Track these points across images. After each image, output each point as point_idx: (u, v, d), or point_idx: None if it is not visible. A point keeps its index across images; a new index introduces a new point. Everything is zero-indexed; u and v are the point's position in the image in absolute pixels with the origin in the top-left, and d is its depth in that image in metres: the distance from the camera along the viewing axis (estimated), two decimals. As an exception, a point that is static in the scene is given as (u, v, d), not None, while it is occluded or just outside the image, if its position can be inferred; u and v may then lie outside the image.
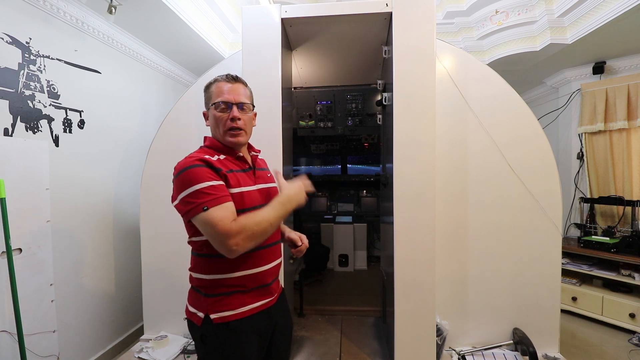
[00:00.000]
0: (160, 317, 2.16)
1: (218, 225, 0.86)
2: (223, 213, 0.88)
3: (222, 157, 1.03)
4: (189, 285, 1.07)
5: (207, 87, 1.08)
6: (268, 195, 1.08)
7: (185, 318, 1.04)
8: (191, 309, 1.02)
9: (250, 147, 1.15)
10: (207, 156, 0.98)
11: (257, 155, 1.15)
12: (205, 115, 1.10)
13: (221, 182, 0.93)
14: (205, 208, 0.87)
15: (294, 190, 1.02)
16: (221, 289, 0.98)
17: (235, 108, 1.02)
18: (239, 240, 0.87)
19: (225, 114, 1.02)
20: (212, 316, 0.96)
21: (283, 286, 1.24)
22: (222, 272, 0.98)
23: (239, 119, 1.03)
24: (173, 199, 0.96)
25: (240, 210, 0.95)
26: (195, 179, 0.90)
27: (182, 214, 0.95)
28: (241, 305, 0.99)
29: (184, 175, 0.92)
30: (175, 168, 0.96)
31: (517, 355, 1.85)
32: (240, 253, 0.90)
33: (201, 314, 0.98)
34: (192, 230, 0.99)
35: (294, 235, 1.17)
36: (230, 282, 0.98)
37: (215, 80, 1.07)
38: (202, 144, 1.09)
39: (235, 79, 1.07)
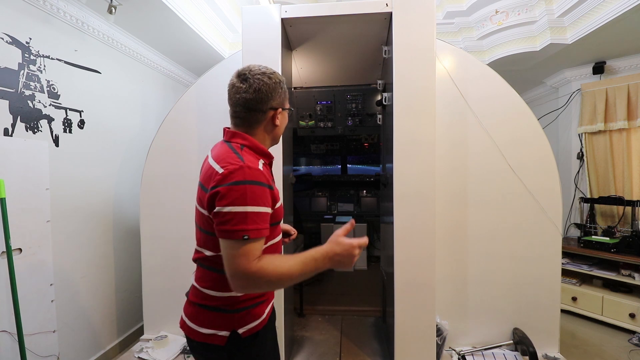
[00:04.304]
0: (160, 317, 2.16)
1: (240, 259, 0.79)
2: (253, 247, 0.81)
3: (262, 162, 0.93)
4: (189, 286, 1.01)
5: (282, 84, 1.00)
6: None
7: (195, 341, 0.93)
8: (206, 331, 0.91)
9: None
10: (260, 164, 0.89)
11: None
12: (278, 113, 1.00)
13: (269, 210, 0.87)
14: (245, 237, 0.79)
15: (339, 251, 0.85)
16: (248, 302, 0.93)
17: None
18: (248, 283, 0.80)
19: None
20: (241, 331, 0.91)
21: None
22: None
23: None
24: (217, 200, 0.82)
25: (278, 223, 0.97)
26: (254, 199, 0.82)
27: (215, 225, 0.83)
28: (263, 312, 0.98)
29: (243, 188, 0.81)
30: (229, 170, 0.82)
31: (517, 355, 1.85)
32: (246, 292, 0.89)
33: (225, 333, 0.90)
34: (216, 245, 0.88)
35: (287, 226, 1.22)
36: (258, 292, 0.96)
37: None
38: (239, 142, 0.94)
39: None
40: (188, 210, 0.95)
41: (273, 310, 1.08)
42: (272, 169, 1.04)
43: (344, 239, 0.87)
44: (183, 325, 0.97)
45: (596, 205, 3.06)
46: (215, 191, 0.82)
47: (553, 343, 1.92)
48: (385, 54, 1.91)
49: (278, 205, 0.95)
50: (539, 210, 1.90)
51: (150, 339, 2.06)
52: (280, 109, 1.00)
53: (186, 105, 2.10)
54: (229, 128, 0.99)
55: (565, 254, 2.86)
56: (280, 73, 1.04)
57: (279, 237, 1.04)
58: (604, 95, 2.97)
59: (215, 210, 0.82)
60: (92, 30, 2.10)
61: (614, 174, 2.97)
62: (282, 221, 1.04)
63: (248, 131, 0.97)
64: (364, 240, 0.88)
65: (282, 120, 1.03)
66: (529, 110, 1.91)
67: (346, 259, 0.85)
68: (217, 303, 0.92)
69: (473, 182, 1.94)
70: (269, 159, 0.99)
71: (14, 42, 1.63)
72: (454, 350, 1.91)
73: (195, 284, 0.96)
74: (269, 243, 0.96)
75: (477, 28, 2.98)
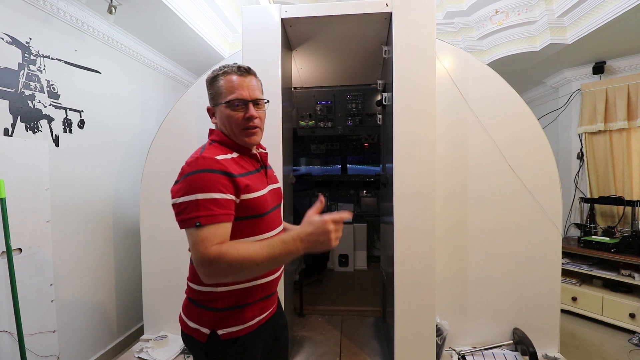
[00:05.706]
0: (160, 317, 2.16)
1: (199, 246, 0.76)
2: (211, 233, 0.77)
3: (235, 155, 0.92)
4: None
5: (214, 80, 0.94)
6: (279, 197, 1.03)
7: (184, 333, 0.94)
8: (192, 325, 0.91)
9: (258, 144, 1.03)
10: (222, 156, 0.87)
11: (266, 153, 1.05)
12: (211, 112, 0.97)
13: (229, 197, 0.82)
14: (197, 224, 0.77)
15: (311, 230, 0.79)
16: (232, 302, 0.89)
17: (251, 106, 0.92)
18: (210, 271, 0.76)
19: (240, 113, 0.91)
20: (220, 332, 0.88)
21: (283, 287, 1.24)
22: (233, 284, 0.89)
23: (256, 118, 0.92)
24: (173, 193, 0.84)
25: (256, 216, 0.90)
26: (203, 186, 0.79)
27: (176, 218, 0.83)
28: (251, 318, 0.92)
29: (194, 177, 0.81)
30: (187, 163, 0.84)
31: (517, 355, 1.85)
32: (215, 282, 0.83)
33: (206, 330, 0.89)
34: None
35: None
36: (243, 292, 0.90)
37: (224, 73, 0.92)
38: (210, 139, 0.96)
39: (247, 71, 0.94)
40: (188, 210, 0.93)
41: (272, 319, 1.01)
42: (272, 169, 1.04)
43: (315, 217, 0.81)
44: (180, 316, 1.00)
45: (596, 205, 3.06)
46: (173, 186, 0.85)
47: (553, 343, 1.92)
48: (385, 54, 1.91)
49: (253, 196, 0.88)
50: (539, 210, 1.90)
51: (150, 339, 2.06)
52: (211, 107, 0.97)
53: (186, 105, 2.10)
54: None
55: (565, 254, 2.85)
56: (247, 65, 0.97)
57: (272, 233, 0.96)
58: (604, 95, 2.97)
59: (171, 203, 0.84)
60: (92, 30, 2.10)
61: (614, 174, 2.97)
62: (267, 215, 0.94)
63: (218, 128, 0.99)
64: (340, 213, 0.80)
65: (221, 116, 0.93)
66: (529, 110, 1.91)
67: (321, 237, 0.78)
68: (200, 297, 0.92)
69: (473, 182, 1.94)
70: (240, 152, 0.95)
71: (14, 42, 1.63)
72: (454, 350, 1.91)
73: (187, 278, 0.99)
74: (256, 239, 0.91)
75: (477, 28, 2.98)
